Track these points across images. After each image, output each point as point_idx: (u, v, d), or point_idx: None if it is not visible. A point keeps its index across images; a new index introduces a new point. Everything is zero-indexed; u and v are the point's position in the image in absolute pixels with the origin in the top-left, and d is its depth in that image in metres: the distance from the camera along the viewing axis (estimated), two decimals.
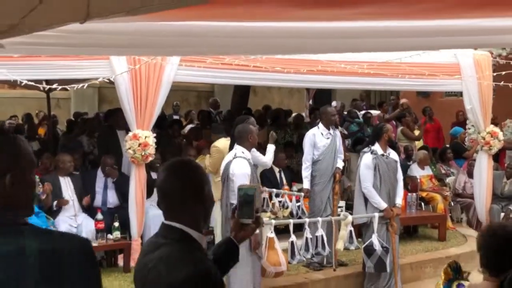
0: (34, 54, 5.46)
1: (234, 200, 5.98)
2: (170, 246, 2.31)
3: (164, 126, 11.18)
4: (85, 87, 6.06)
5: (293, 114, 13.02)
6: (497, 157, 11.25)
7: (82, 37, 2.83)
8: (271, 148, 7.01)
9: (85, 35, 2.75)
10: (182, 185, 2.38)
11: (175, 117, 13.97)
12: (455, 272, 3.22)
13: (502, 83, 8.66)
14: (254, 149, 6.42)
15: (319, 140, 7.90)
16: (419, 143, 12.24)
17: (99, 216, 7.74)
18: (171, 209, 2.39)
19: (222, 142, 7.48)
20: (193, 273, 2.22)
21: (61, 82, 7.27)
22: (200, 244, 2.39)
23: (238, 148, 6.14)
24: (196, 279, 2.22)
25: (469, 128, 12.47)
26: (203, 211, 2.43)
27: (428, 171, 10.86)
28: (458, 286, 3.13)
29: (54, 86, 6.21)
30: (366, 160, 7.46)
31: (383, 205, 7.32)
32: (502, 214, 9.96)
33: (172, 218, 2.38)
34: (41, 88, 5.73)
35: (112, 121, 9.76)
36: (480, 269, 2.97)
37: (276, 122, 11.87)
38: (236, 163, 6.01)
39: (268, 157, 6.94)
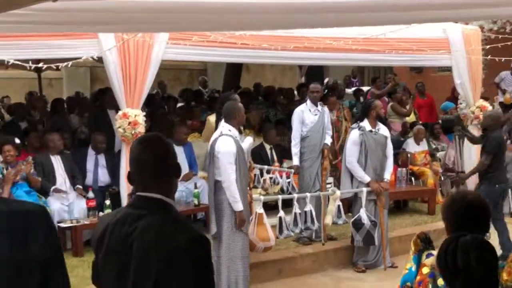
0: (9, 32, 5.47)
1: (219, 177, 6.06)
2: (155, 215, 2.39)
3: (155, 105, 11.19)
4: (69, 65, 6.07)
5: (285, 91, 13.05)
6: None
7: (57, 15, 2.87)
8: (248, 140, 6.89)
9: (63, 13, 2.79)
10: (157, 157, 2.47)
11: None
12: (425, 242, 3.28)
13: (489, 57, 8.69)
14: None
15: (307, 116, 7.96)
16: (410, 119, 12.28)
17: (90, 194, 7.82)
18: (147, 181, 2.46)
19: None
20: (197, 236, 2.32)
21: (50, 61, 7.31)
22: (177, 211, 2.50)
23: (224, 126, 6.17)
24: (198, 242, 2.30)
25: (461, 103, 12.50)
26: (175, 182, 2.52)
27: (423, 146, 10.92)
28: (428, 256, 3.20)
29: (40, 65, 6.22)
30: (353, 136, 7.58)
31: (367, 178, 7.44)
32: None
33: (149, 190, 2.44)
34: (28, 68, 5.72)
35: (102, 100, 9.81)
36: None
37: (268, 100, 11.91)
38: (222, 141, 6.05)
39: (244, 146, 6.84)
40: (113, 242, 2.44)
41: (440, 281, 3.04)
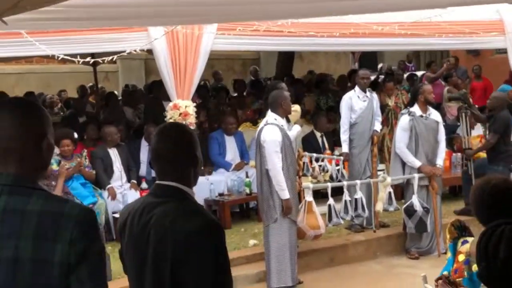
0: (38, 29, 5.63)
1: (267, 166, 6.10)
2: (171, 202, 2.42)
3: (207, 96, 11.30)
4: (114, 59, 6.21)
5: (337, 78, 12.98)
6: None
7: (84, 11, 2.94)
8: (296, 128, 6.90)
9: (89, 9, 2.86)
10: (175, 146, 2.49)
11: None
12: (460, 230, 3.24)
13: None
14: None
15: (356, 103, 7.90)
16: None
17: (144, 185, 7.98)
18: (165, 169, 2.49)
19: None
20: (210, 222, 2.34)
21: (104, 55, 7.48)
22: (195, 199, 2.51)
23: (270, 115, 6.20)
24: (213, 228, 2.33)
25: None
26: (193, 171, 2.53)
27: (478, 131, 10.67)
28: (463, 243, 3.16)
29: (88, 59, 6.38)
30: (403, 121, 7.51)
31: (417, 163, 7.35)
32: None
33: (167, 178, 2.48)
34: (76, 62, 5.88)
35: (156, 92, 9.97)
36: None
37: (321, 87, 11.85)
38: (267, 130, 6.08)
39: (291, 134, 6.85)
40: (133, 231, 2.50)
41: (475, 267, 3.00)
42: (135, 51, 6.52)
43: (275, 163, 6.00)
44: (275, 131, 6.04)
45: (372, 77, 11.08)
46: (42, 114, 2.11)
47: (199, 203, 2.53)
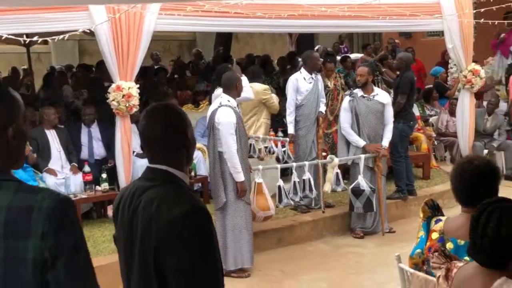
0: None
1: (221, 148, 6.06)
2: (160, 187, 2.35)
3: (148, 76, 11.11)
4: (65, 38, 6.00)
5: (277, 59, 12.99)
6: (478, 95, 11.34)
7: None
8: (245, 81, 6.93)
9: None
10: (165, 129, 2.39)
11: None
12: (433, 209, 3.30)
13: (482, 20, 8.66)
14: None
15: (302, 85, 7.93)
16: None
17: (87, 168, 7.79)
18: (155, 152, 2.41)
19: (257, 86, 8.25)
20: (194, 208, 2.24)
21: (41, 35, 7.20)
22: (186, 183, 2.43)
23: (224, 97, 6.15)
24: (197, 214, 2.23)
25: (451, 67, 12.52)
26: (186, 153, 2.45)
27: (415, 111, 10.94)
28: (436, 222, 3.23)
29: (35, 38, 6.13)
30: (344, 102, 7.76)
31: (362, 142, 7.51)
32: (485, 151, 10.13)
33: (157, 161, 2.40)
34: (21, 42, 5.64)
35: (98, 73, 9.73)
36: None
37: (265, 69, 11.83)
38: (222, 112, 6.04)
39: (249, 91, 6.93)
40: (124, 215, 2.44)
41: (450, 245, 3.08)
42: (88, 30, 6.27)
43: (230, 145, 5.97)
44: (229, 113, 6.00)
45: None
46: (6, 102, 1.99)
47: (189, 187, 2.45)
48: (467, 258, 2.69)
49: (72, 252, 1.89)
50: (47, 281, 1.87)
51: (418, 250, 3.23)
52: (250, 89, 7.08)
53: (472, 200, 2.50)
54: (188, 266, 2.18)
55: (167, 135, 2.39)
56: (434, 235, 3.15)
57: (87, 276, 1.96)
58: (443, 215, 3.31)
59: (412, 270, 3.26)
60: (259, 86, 8.46)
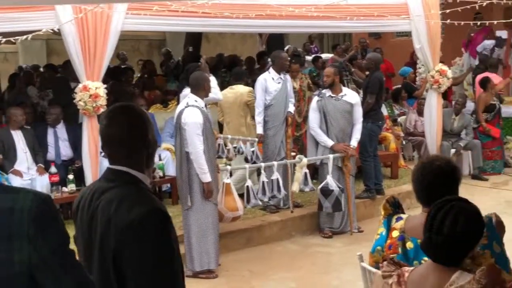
0: None
1: (187, 149, 6.03)
2: (119, 188, 2.32)
3: (115, 76, 11.02)
4: (29, 38, 5.91)
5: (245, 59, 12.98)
6: (446, 95, 11.47)
7: None
8: (213, 81, 6.91)
9: None
10: (125, 129, 2.36)
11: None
12: (394, 207, 3.32)
13: (448, 21, 8.75)
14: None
15: (271, 85, 7.92)
16: None
17: (53, 169, 7.71)
18: (115, 153, 2.39)
19: (241, 88, 8.45)
20: (152, 210, 2.22)
21: (6, 35, 7.09)
22: (146, 185, 2.40)
23: (191, 97, 6.12)
24: (155, 216, 2.21)
25: (420, 68, 12.64)
26: (147, 154, 2.42)
27: (384, 111, 11.01)
28: (397, 219, 3.25)
29: None
30: (313, 102, 7.81)
31: (330, 142, 7.55)
32: (453, 151, 10.25)
33: (117, 162, 2.38)
34: None
35: (65, 73, 9.62)
36: None
37: (231, 69, 11.80)
38: (188, 112, 6.01)
39: (217, 92, 6.91)
40: (83, 216, 2.41)
41: (409, 244, 3.10)
42: (52, 30, 6.19)
43: (196, 145, 5.95)
44: (196, 113, 5.97)
45: None
46: None
47: (149, 189, 2.42)
48: (426, 258, 2.70)
49: (61, 247, 1.91)
50: (34, 282, 1.85)
51: (378, 247, 3.24)
52: (218, 89, 7.05)
53: (433, 200, 2.52)
54: (146, 268, 2.15)
55: (127, 136, 2.36)
56: (395, 233, 3.17)
57: (79, 268, 1.98)
58: (403, 212, 3.33)
59: (374, 270, 3.27)
60: (243, 88, 8.51)
